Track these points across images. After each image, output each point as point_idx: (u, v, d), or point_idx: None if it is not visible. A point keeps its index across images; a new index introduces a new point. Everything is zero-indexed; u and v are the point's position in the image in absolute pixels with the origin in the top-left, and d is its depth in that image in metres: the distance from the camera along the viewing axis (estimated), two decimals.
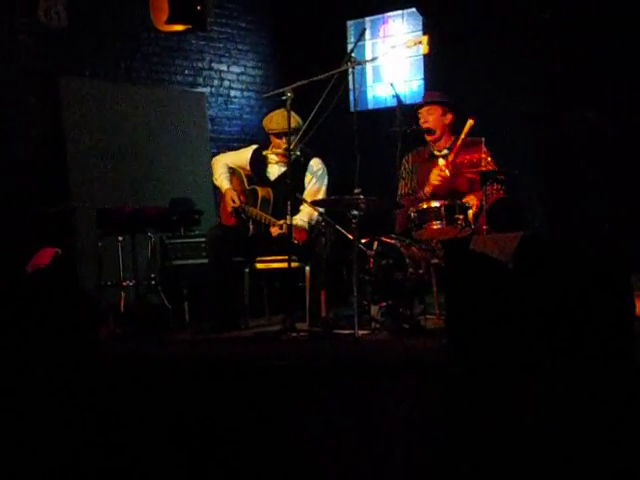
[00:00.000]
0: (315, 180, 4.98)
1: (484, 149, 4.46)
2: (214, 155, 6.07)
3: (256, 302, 5.27)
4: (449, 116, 4.84)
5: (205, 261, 5.33)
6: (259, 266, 5.03)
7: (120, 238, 5.27)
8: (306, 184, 4.97)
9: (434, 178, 4.67)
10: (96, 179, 6.14)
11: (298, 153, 4.89)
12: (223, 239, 4.90)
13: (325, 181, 5.01)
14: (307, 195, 4.89)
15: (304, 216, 4.81)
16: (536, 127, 6.29)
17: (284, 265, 4.65)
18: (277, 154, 4.98)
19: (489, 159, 4.49)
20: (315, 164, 5.00)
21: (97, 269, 5.35)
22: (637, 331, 3.07)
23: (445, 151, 4.82)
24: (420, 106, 4.89)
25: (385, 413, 3.20)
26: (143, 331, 5.07)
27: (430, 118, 4.82)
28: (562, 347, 3.09)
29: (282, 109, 4.81)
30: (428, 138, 4.86)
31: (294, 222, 4.58)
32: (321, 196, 4.93)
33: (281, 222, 4.67)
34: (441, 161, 4.75)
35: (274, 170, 5.06)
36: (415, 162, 4.92)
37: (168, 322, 5.29)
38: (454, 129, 4.83)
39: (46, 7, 5.97)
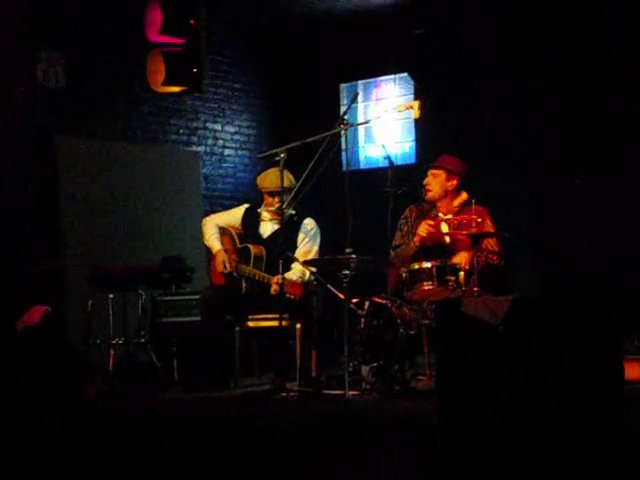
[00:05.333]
0: (307, 240, 5.01)
1: (475, 210, 4.52)
2: (207, 213, 6.12)
3: (246, 360, 5.23)
4: (453, 182, 4.92)
5: (196, 319, 5.31)
6: (250, 324, 5.01)
7: (111, 296, 5.25)
8: (298, 243, 5.00)
9: (422, 230, 4.74)
10: (89, 236, 6.14)
11: (293, 212, 4.94)
12: (217, 299, 4.90)
13: (317, 241, 5.04)
14: (299, 254, 4.91)
15: (297, 272, 4.83)
16: (527, 191, 6.38)
17: (275, 323, 4.64)
18: (270, 212, 5.02)
19: (479, 220, 4.54)
20: (308, 223, 5.04)
21: (87, 327, 5.32)
22: (626, 394, 3.07)
23: (449, 215, 4.89)
24: (428, 168, 4.97)
25: (376, 476, 3.16)
26: (132, 389, 5.02)
27: (433, 181, 4.92)
28: (552, 410, 3.08)
29: (276, 167, 4.87)
30: (427, 199, 4.95)
31: (288, 277, 4.59)
32: (313, 255, 4.95)
33: (276, 278, 4.67)
34: (444, 227, 4.84)
35: (267, 228, 5.09)
36: (418, 216, 4.99)
37: (157, 380, 5.24)
38: (457, 194, 4.93)
39: (44, 68, 6.08)
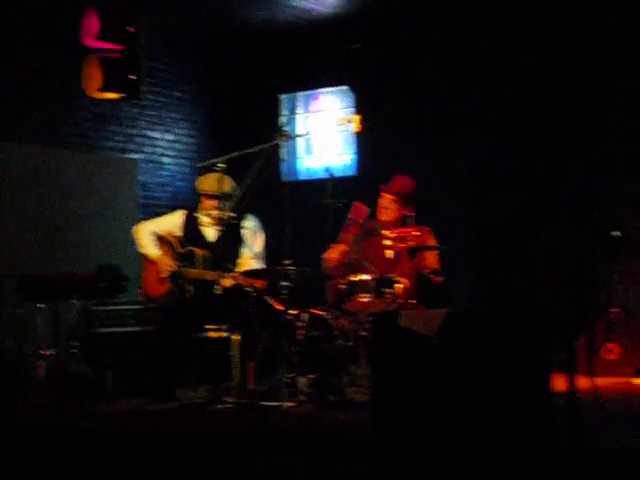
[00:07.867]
0: (248, 245, 4.93)
1: (417, 228, 4.58)
2: (143, 220, 6.02)
3: (182, 371, 5.16)
4: (409, 211, 4.84)
5: (131, 329, 5.20)
6: (191, 335, 4.92)
7: (40, 305, 5.12)
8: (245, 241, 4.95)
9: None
10: (20, 244, 5.99)
11: (232, 214, 4.81)
12: (173, 309, 4.80)
13: (260, 240, 4.94)
14: (242, 263, 4.84)
15: (253, 266, 4.76)
16: (465, 205, 6.51)
17: (215, 335, 4.59)
18: (209, 216, 4.94)
19: (416, 234, 4.61)
20: (247, 225, 4.94)
21: (15, 337, 5.18)
22: (554, 406, 3.15)
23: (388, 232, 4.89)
24: (384, 191, 4.86)
25: None
26: (63, 401, 4.90)
27: (390, 207, 4.81)
28: (484, 421, 3.14)
29: (216, 173, 4.78)
30: (380, 221, 4.88)
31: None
32: (256, 260, 4.88)
33: (232, 274, 4.57)
34: (387, 241, 4.83)
35: (209, 233, 4.98)
36: (361, 234, 4.98)
37: (90, 392, 5.13)
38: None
39: None
